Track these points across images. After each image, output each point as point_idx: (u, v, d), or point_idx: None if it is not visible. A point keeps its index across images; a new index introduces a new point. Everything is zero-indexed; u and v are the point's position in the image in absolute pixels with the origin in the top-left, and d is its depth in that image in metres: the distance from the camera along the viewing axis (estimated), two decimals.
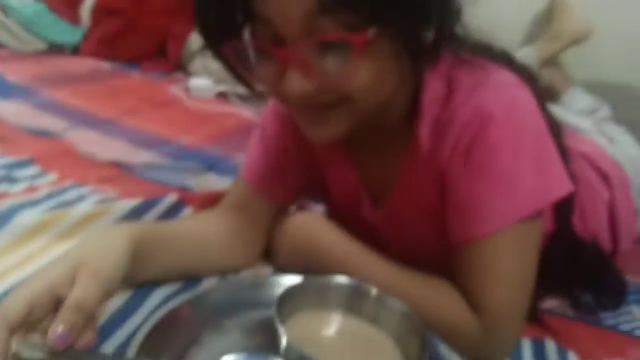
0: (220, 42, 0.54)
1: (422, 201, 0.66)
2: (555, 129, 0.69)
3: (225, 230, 0.69)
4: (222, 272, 0.68)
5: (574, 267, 0.76)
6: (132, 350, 0.48)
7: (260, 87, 0.59)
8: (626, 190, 0.91)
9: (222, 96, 1.58)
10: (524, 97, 0.61)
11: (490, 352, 0.61)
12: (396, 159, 0.65)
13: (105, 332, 0.53)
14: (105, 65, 1.66)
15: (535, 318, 0.71)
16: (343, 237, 0.67)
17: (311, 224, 0.70)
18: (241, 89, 0.68)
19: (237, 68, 0.57)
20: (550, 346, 0.71)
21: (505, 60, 0.67)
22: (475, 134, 0.58)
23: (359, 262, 0.64)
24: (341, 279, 0.57)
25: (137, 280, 0.59)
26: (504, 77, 0.62)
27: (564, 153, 0.69)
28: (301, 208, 0.80)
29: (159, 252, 0.60)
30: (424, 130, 0.61)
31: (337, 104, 0.54)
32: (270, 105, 0.76)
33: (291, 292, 0.53)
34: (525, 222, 0.58)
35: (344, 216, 0.72)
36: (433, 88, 0.60)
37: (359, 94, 0.52)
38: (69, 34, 1.81)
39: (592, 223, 0.82)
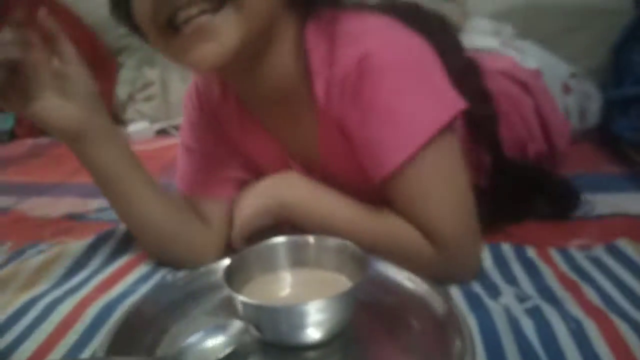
0: None
1: (343, 158, 0.68)
2: (464, 59, 0.72)
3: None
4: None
5: (521, 191, 0.79)
6: (101, 350, 0.50)
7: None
8: (547, 95, 0.95)
9: (162, 133, 1.64)
10: (400, 35, 0.64)
11: (454, 275, 0.63)
12: (310, 125, 0.68)
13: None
14: (43, 140, 1.66)
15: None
16: (299, 193, 0.69)
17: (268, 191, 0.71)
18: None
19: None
20: (506, 247, 0.75)
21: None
22: (356, 77, 0.60)
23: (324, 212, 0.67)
24: (279, 239, 0.60)
25: None
26: (380, 21, 0.65)
27: (478, 74, 0.73)
28: None
29: None
30: (320, 89, 0.64)
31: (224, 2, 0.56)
32: (184, 116, 0.80)
33: (237, 263, 0.56)
34: (430, 146, 0.59)
35: None
36: (317, 46, 0.64)
37: None
38: (1, 123, 1.82)
39: (522, 132, 0.85)
